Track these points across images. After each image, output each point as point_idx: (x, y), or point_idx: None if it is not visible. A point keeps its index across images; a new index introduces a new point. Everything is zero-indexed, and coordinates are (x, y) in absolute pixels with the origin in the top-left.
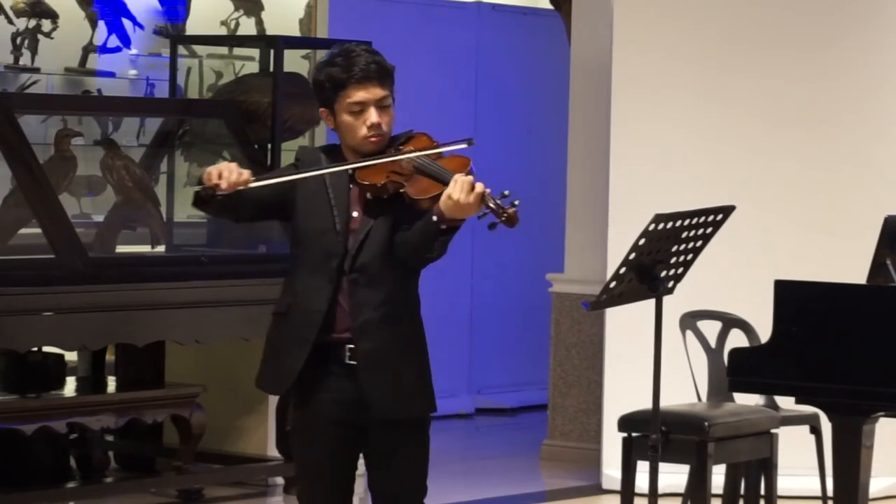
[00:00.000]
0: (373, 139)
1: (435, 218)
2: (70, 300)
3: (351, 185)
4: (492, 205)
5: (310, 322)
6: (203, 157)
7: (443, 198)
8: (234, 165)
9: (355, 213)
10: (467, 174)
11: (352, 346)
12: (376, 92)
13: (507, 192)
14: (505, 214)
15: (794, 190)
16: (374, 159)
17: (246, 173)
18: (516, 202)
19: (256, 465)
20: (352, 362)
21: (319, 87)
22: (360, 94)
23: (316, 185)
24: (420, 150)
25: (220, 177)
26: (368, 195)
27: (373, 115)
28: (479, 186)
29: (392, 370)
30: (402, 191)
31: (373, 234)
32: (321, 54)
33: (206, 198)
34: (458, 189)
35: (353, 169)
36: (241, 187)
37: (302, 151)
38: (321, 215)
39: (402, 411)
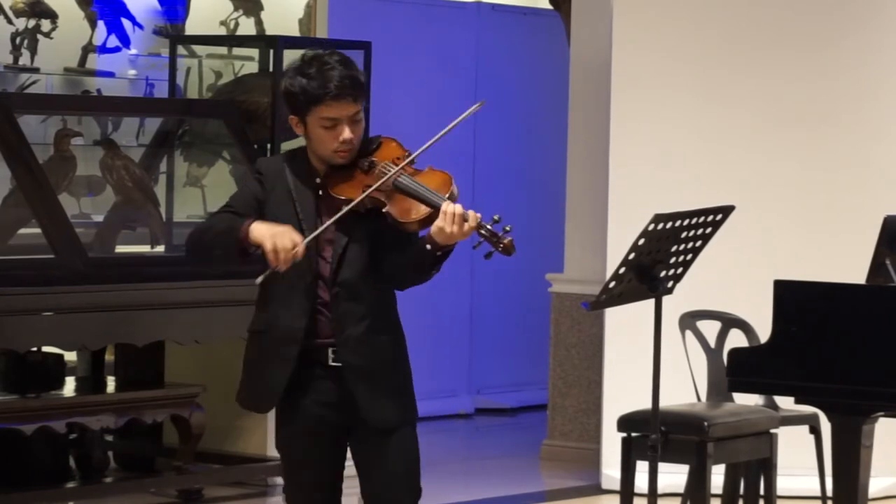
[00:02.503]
0: (342, 153)
1: (429, 247)
2: (70, 300)
3: (319, 194)
4: (485, 233)
5: (291, 338)
6: (203, 157)
7: (434, 229)
8: (284, 238)
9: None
10: (450, 193)
11: (335, 349)
12: (350, 109)
13: (497, 217)
14: (501, 244)
15: (794, 190)
16: (369, 187)
17: (297, 241)
18: (508, 227)
19: (256, 465)
20: (335, 364)
21: (292, 96)
22: (333, 111)
23: (282, 197)
24: (397, 165)
25: (276, 257)
26: (344, 209)
27: (345, 132)
28: (471, 218)
29: (377, 381)
30: (384, 210)
31: (351, 249)
32: None
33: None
34: (449, 222)
35: (324, 192)
36: (297, 258)
37: (262, 163)
38: None
39: (389, 420)
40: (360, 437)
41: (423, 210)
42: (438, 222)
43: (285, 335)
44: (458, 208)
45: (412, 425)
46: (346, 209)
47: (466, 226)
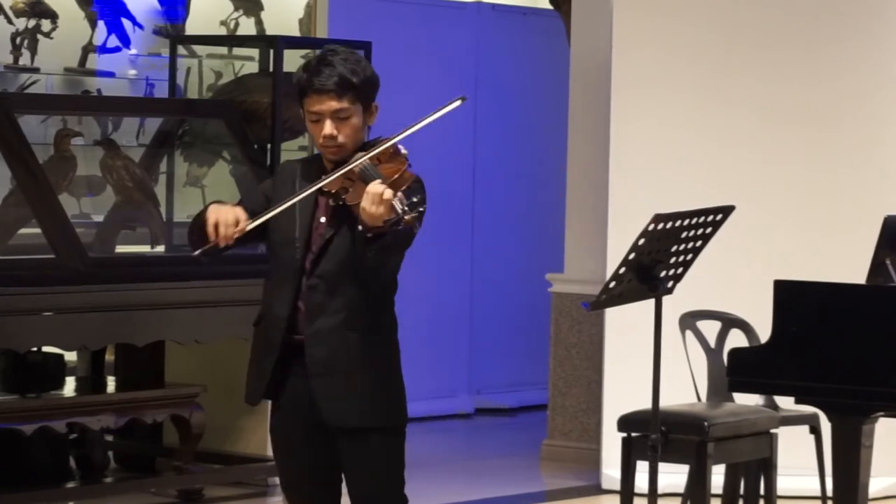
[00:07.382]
0: (329, 149)
1: (360, 227)
2: (70, 300)
3: (319, 194)
4: (399, 209)
5: (276, 328)
6: (203, 157)
7: (361, 210)
8: (228, 213)
9: (322, 219)
10: (402, 175)
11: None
12: (331, 105)
13: (416, 199)
14: (403, 220)
15: (794, 190)
16: (334, 172)
17: (241, 217)
18: (421, 208)
19: (256, 465)
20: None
21: (295, 88)
22: (315, 105)
23: (286, 192)
24: (366, 154)
25: (216, 232)
26: (330, 202)
27: (326, 128)
28: (388, 194)
29: (344, 377)
30: (342, 196)
31: (335, 242)
32: None
33: (210, 253)
34: (369, 201)
35: (319, 187)
36: (239, 234)
37: (285, 163)
38: (287, 225)
39: (356, 420)
40: (340, 439)
41: None
42: (362, 202)
43: (273, 325)
44: (378, 188)
45: (389, 432)
46: (307, 191)
47: (383, 205)
